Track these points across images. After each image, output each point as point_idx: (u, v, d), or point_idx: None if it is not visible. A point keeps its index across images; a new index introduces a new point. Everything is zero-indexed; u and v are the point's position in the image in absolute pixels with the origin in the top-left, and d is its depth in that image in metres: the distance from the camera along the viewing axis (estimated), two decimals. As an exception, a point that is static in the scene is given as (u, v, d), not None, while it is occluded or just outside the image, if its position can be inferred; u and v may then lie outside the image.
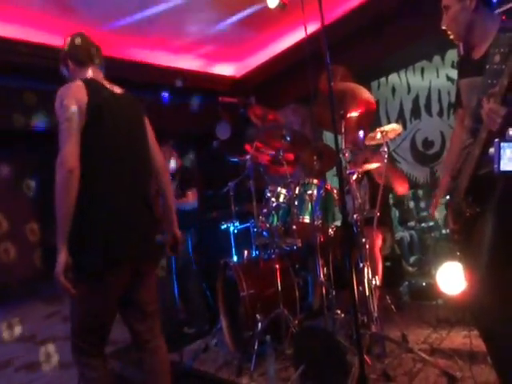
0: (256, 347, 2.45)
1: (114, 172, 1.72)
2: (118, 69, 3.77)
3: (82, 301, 1.66)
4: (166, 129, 4.34)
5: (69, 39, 1.92)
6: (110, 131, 1.73)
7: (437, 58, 3.67)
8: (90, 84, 1.73)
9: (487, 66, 1.44)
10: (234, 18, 3.59)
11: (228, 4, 3.35)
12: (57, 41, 3.25)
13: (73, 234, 1.58)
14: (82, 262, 1.61)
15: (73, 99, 1.64)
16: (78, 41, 1.91)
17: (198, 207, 3.62)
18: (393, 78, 4.00)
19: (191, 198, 3.56)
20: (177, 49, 3.98)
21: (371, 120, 3.06)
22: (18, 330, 3.19)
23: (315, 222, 2.61)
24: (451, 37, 1.69)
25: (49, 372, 3.22)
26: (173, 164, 3.62)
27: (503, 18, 1.58)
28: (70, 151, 1.58)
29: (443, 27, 1.67)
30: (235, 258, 3.12)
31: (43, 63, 3.12)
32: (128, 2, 3.11)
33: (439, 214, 3.27)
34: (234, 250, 3.19)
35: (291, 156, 3.26)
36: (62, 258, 1.54)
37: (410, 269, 3.40)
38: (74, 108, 1.63)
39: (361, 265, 2.36)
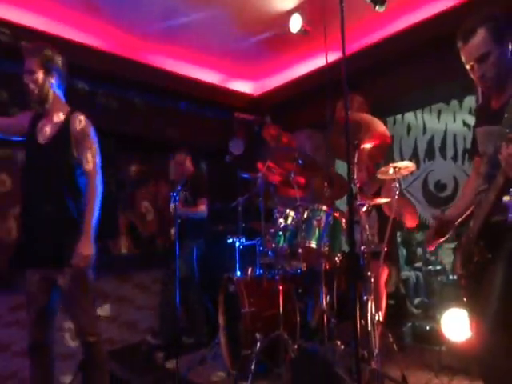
0: (253, 366, 2.41)
1: None
2: (141, 73, 3.84)
3: None
4: (182, 137, 4.42)
5: (60, 58, 1.95)
6: None
7: (454, 103, 3.67)
8: None
9: (505, 115, 1.45)
10: (256, 37, 3.66)
11: (251, 23, 3.41)
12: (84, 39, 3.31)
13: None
14: None
15: None
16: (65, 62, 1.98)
17: (207, 218, 3.59)
18: (409, 116, 4.00)
19: (202, 207, 3.52)
20: (198, 61, 4.05)
21: (385, 154, 3.09)
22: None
23: (321, 248, 2.59)
24: (482, 86, 1.64)
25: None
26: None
27: None
28: None
29: (478, 77, 1.61)
30: (238, 274, 3.10)
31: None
32: (156, 10, 3.18)
33: (447, 258, 3.26)
34: (238, 265, 3.17)
35: (302, 180, 3.28)
36: None
37: (415, 310, 3.33)
38: None
39: (365, 298, 2.33)
